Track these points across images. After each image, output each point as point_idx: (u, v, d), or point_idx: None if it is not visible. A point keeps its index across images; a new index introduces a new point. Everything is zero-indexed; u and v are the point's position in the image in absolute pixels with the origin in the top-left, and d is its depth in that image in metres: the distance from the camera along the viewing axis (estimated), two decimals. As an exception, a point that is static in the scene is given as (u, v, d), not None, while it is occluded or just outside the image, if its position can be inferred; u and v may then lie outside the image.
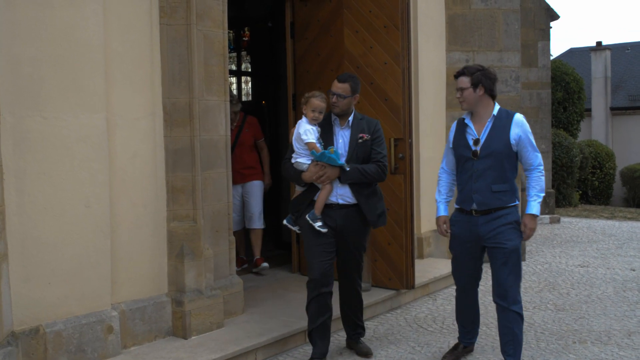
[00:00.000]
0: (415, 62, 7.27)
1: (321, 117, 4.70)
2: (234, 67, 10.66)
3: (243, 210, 7.18)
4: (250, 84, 11.11)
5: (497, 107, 4.49)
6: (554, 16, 13.22)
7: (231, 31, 10.18)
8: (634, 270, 7.82)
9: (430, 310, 6.16)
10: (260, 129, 7.41)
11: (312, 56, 6.68)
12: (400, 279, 6.20)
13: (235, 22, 9.53)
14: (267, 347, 4.93)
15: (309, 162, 4.62)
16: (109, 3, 4.53)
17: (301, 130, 4.61)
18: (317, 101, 4.66)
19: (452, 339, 5.25)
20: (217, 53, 5.19)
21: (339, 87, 4.70)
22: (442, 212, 4.72)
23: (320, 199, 4.64)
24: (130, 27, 4.71)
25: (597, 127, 25.09)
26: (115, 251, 4.62)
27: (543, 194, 4.41)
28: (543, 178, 4.42)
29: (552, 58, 14.92)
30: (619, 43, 29.07)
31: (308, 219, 4.62)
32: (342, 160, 4.62)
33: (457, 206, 4.63)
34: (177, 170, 4.97)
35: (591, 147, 17.99)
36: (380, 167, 4.70)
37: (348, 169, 4.61)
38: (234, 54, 10.73)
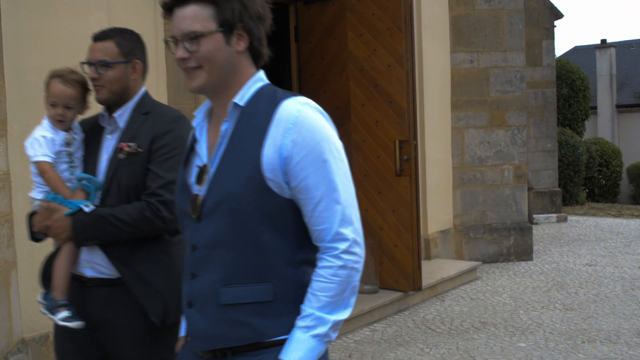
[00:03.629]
0: (419, 64, 7.27)
1: (70, 114, 2.55)
2: (238, 71, 10.70)
3: None
4: (255, 88, 11.14)
5: (255, 83, 1.88)
6: (558, 15, 13.21)
7: (235, 35, 10.22)
8: (642, 268, 7.80)
9: (438, 311, 6.17)
10: None
11: (317, 60, 6.69)
12: (408, 280, 6.20)
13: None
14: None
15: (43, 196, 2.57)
16: (114, 12, 4.56)
17: (27, 142, 2.58)
18: (58, 85, 2.55)
19: (461, 340, 5.25)
20: (222, 58, 5.20)
21: (97, 48, 2.57)
22: (183, 331, 2.01)
23: (56, 269, 2.51)
24: (134, 34, 4.74)
25: (603, 125, 25.01)
26: (123, 257, 4.63)
27: (336, 319, 1.73)
28: (348, 275, 1.73)
29: (557, 57, 14.91)
30: (623, 40, 29.00)
31: (44, 310, 2.50)
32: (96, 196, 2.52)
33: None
34: (183, 176, 4.97)
35: (597, 145, 17.94)
36: (152, 208, 2.43)
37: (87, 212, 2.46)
38: (239, 58, 10.78)
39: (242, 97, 1.82)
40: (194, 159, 1.92)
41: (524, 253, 8.32)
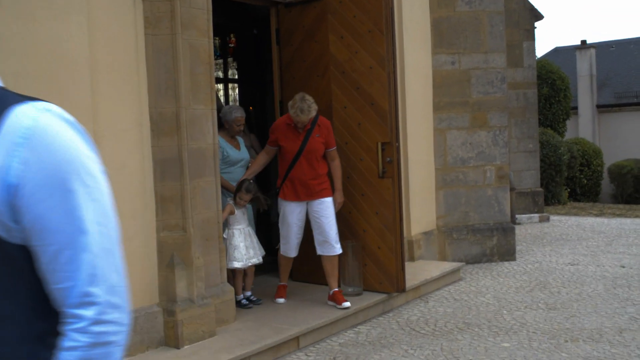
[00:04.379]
0: (401, 66, 7.30)
1: None
2: (220, 74, 10.66)
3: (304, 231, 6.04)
4: (237, 91, 11.11)
5: None
6: (539, 16, 13.29)
7: (217, 38, 10.19)
8: (623, 266, 7.86)
9: (422, 312, 6.18)
10: (333, 134, 6.05)
11: (298, 62, 6.69)
12: (391, 282, 6.21)
13: (220, 29, 9.53)
14: (259, 355, 4.93)
15: None
16: (94, 15, 4.53)
17: None
18: None
19: (445, 341, 5.26)
20: (203, 61, 5.19)
21: None
22: None
23: None
24: (115, 38, 4.71)
25: (584, 125, 25.22)
26: (105, 263, 4.60)
27: None
28: (104, 355, 1.21)
29: (537, 58, 15.01)
30: (603, 41, 29.27)
31: None
32: None
33: None
34: (165, 179, 4.96)
35: (578, 145, 18.10)
36: None
37: None
38: (221, 61, 10.74)
39: None
40: None
41: (507, 253, 8.37)
